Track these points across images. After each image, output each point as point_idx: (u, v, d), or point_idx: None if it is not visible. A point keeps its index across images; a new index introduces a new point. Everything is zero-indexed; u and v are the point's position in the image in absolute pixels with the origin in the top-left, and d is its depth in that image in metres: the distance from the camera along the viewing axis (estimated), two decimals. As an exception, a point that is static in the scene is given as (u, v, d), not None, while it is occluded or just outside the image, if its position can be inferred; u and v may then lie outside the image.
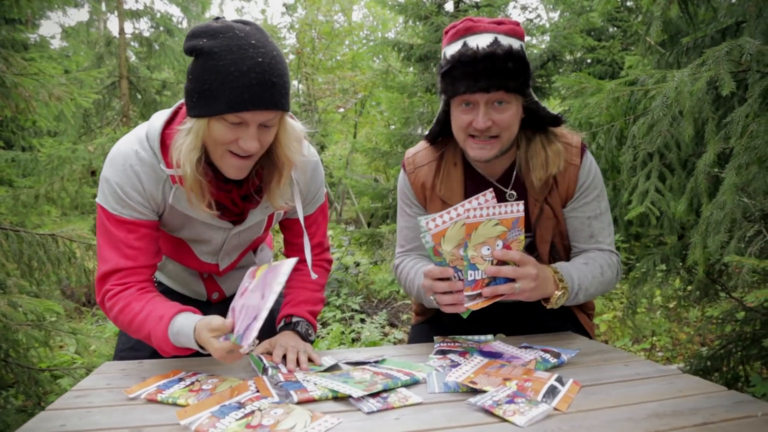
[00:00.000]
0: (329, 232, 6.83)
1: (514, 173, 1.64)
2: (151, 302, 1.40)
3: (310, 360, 1.42)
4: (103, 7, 10.43)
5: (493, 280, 1.37)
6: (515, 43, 1.45)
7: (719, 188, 1.55)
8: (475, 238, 1.31)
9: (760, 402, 1.10)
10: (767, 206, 1.60)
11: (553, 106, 6.97)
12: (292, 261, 1.21)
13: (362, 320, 4.54)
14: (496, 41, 1.42)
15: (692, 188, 1.73)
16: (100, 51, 8.04)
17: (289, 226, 1.69)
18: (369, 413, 1.09)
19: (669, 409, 1.08)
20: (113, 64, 7.76)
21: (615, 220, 2.69)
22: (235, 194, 1.44)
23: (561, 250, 1.69)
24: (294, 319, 1.59)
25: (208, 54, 1.22)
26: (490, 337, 1.58)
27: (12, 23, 8.70)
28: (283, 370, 1.36)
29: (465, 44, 1.45)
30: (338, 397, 1.17)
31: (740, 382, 2.51)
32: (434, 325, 1.82)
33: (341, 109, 10.84)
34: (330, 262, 1.78)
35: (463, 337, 1.59)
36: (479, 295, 1.36)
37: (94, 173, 4.30)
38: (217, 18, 1.28)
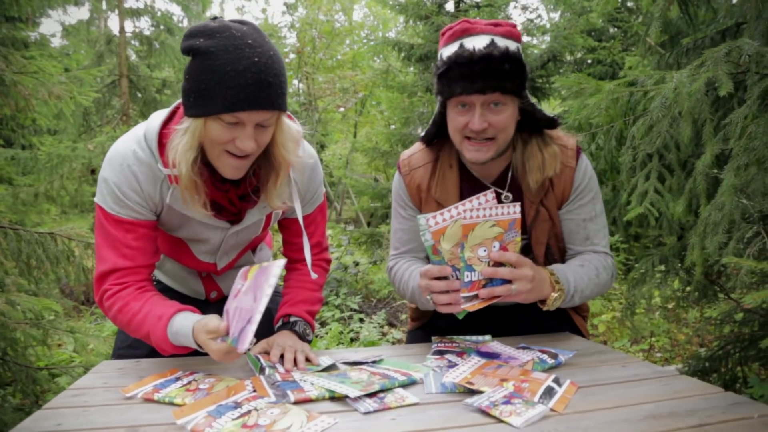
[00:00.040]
0: (328, 232, 6.84)
1: (510, 175, 1.64)
2: (149, 301, 1.40)
3: (307, 360, 1.42)
4: (104, 5, 10.43)
5: (490, 281, 1.37)
6: (512, 45, 1.45)
7: (718, 189, 1.55)
8: (471, 239, 1.31)
9: (757, 403, 1.10)
10: (766, 207, 1.60)
11: (553, 106, 6.98)
12: (280, 263, 1.20)
13: (361, 320, 4.54)
14: (492, 43, 1.42)
15: (691, 189, 1.73)
16: (100, 49, 8.04)
17: (287, 225, 1.69)
18: (365, 413, 1.09)
19: (666, 411, 1.08)
20: (113, 62, 7.76)
21: (614, 220, 2.69)
22: (233, 194, 1.44)
23: (556, 252, 1.69)
24: (292, 319, 1.59)
25: (204, 54, 1.22)
26: (487, 337, 1.58)
27: (12, 21, 8.70)
28: (281, 369, 1.35)
29: (462, 45, 1.45)
30: (335, 397, 1.17)
31: (738, 383, 2.51)
32: (429, 330, 1.82)
33: (341, 109, 10.83)
34: (328, 261, 1.78)
35: (461, 337, 1.59)
36: (476, 296, 1.36)
37: (93, 172, 4.30)
38: (215, 18, 1.28)
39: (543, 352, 1.41)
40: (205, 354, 1.33)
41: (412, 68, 5.49)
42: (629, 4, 5.83)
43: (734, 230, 1.63)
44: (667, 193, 2.08)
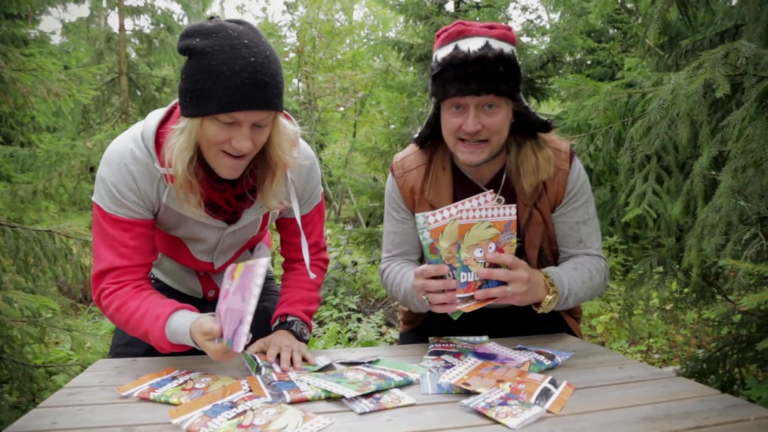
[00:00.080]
0: (327, 231, 6.83)
1: (504, 178, 1.65)
2: (146, 300, 1.40)
3: (304, 360, 1.42)
4: (104, 3, 10.43)
5: (485, 282, 1.37)
6: (506, 48, 1.45)
7: (716, 191, 1.55)
8: (467, 239, 1.31)
9: (754, 406, 1.10)
10: (763, 209, 1.60)
11: (552, 107, 6.98)
12: (264, 261, 1.19)
13: (359, 320, 4.54)
14: (487, 45, 1.42)
15: (688, 191, 1.73)
16: (100, 47, 8.03)
17: (285, 225, 1.69)
18: (361, 414, 1.09)
19: (662, 413, 1.08)
20: (113, 60, 7.76)
21: (612, 221, 2.70)
22: (229, 194, 1.44)
23: (549, 255, 1.70)
24: (289, 319, 1.59)
25: (200, 54, 1.22)
26: (485, 338, 1.58)
27: (12, 18, 8.69)
28: (277, 369, 1.35)
29: (456, 47, 1.45)
30: (331, 398, 1.17)
31: (736, 384, 2.51)
32: (422, 333, 1.82)
33: (341, 108, 10.82)
34: (326, 261, 1.78)
35: (458, 338, 1.58)
36: (471, 297, 1.36)
37: (92, 169, 4.29)
38: (211, 17, 1.28)
39: (540, 353, 1.41)
40: (203, 352, 1.33)
41: (411, 68, 5.48)
42: (629, 5, 5.83)
43: (732, 232, 1.63)
44: (665, 194, 2.08)
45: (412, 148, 1.76)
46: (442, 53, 1.47)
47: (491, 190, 1.39)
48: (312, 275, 1.58)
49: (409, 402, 1.14)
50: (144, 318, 1.37)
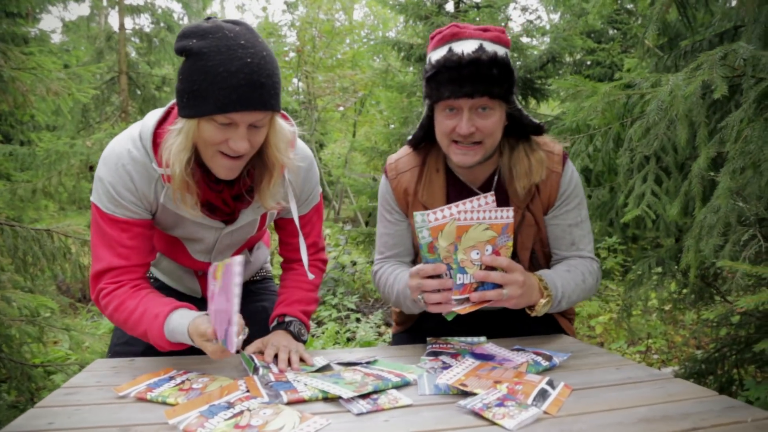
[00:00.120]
0: (326, 231, 6.82)
1: (496, 180, 1.65)
2: (144, 300, 1.40)
3: (301, 360, 1.42)
4: (104, 2, 10.43)
5: (481, 285, 1.37)
6: (500, 50, 1.46)
7: (714, 192, 1.55)
8: (465, 241, 1.32)
9: (751, 407, 1.10)
10: (762, 211, 1.60)
11: (552, 107, 6.98)
12: (238, 259, 1.19)
13: (357, 320, 4.54)
14: (481, 47, 1.43)
15: (686, 191, 1.73)
16: (100, 46, 8.03)
17: (283, 225, 1.68)
18: (358, 414, 1.09)
19: (659, 414, 1.08)
20: (113, 59, 7.76)
21: (611, 222, 2.69)
22: (226, 194, 1.44)
23: (541, 257, 1.70)
24: (287, 319, 1.59)
25: (197, 54, 1.22)
26: (482, 339, 1.58)
27: (12, 17, 8.68)
28: (275, 369, 1.35)
29: (450, 50, 1.45)
30: (328, 398, 1.17)
31: (734, 385, 2.51)
32: (414, 334, 1.82)
33: (341, 108, 10.80)
34: (325, 262, 1.77)
35: (456, 338, 1.58)
36: (467, 299, 1.36)
37: (92, 168, 4.29)
38: (208, 18, 1.28)
39: (537, 354, 1.41)
40: (201, 351, 1.33)
41: (411, 68, 5.48)
42: (629, 6, 5.83)
43: (730, 233, 1.63)
44: (664, 195, 2.08)
45: (405, 149, 1.76)
46: (436, 55, 1.48)
47: (492, 192, 1.39)
48: (310, 276, 1.58)
49: (406, 403, 1.14)
50: (143, 317, 1.37)
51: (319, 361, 1.41)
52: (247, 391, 1.19)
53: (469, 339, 1.58)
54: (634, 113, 2.14)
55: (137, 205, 1.40)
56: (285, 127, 1.39)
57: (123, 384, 1.25)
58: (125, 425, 1.06)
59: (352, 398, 1.15)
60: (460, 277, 1.34)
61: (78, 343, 2.86)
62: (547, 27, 5.90)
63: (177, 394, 1.18)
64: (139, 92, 7.74)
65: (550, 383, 1.20)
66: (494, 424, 1.03)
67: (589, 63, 5.97)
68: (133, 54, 8.60)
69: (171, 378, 1.29)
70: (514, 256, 1.66)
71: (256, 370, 1.34)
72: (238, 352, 1.46)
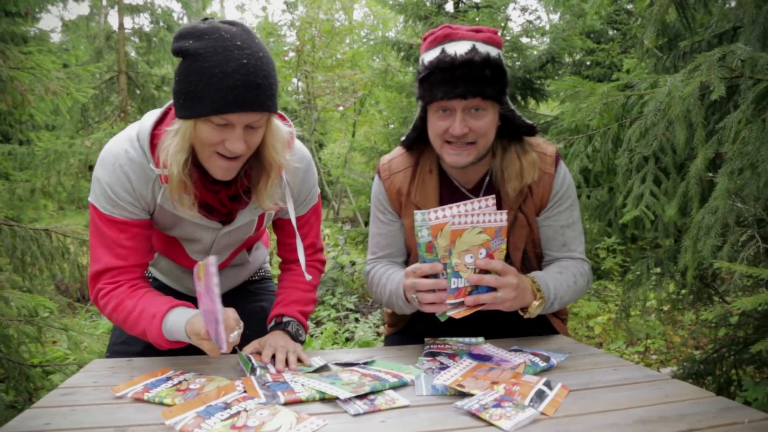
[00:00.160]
0: (326, 231, 6.82)
1: (487, 180, 1.65)
2: (142, 299, 1.41)
3: (299, 360, 1.42)
4: (104, 1, 10.43)
5: (475, 288, 1.38)
6: (493, 51, 1.46)
7: (712, 193, 1.55)
8: (459, 245, 1.32)
9: (748, 409, 1.10)
10: (760, 211, 1.59)
11: (552, 107, 6.97)
12: (212, 259, 1.20)
13: (356, 320, 4.54)
14: (474, 48, 1.43)
15: (683, 192, 1.73)
16: (99, 45, 8.01)
17: (281, 226, 1.68)
18: (355, 415, 1.09)
19: (655, 415, 1.07)
20: (112, 58, 7.74)
21: (609, 222, 2.69)
22: (223, 195, 1.44)
23: (533, 257, 1.71)
24: (285, 319, 1.59)
25: (193, 55, 1.22)
26: (480, 339, 1.58)
27: (12, 16, 8.68)
28: (272, 370, 1.35)
29: (443, 51, 1.45)
30: (325, 399, 1.17)
31: (733, 386, 2.51)
32: (407, 335, 1.82)
33: (340, 108, 10.81)
34: (323, 262, 1.78)
35: (453, 339, 1.58)
36: (461, 303, 1.37)
37: (91, 168, 4.29)
38: (205, 19, 1.29)
39: (535, 354, 1.41)
40: (199, 351, 1.33)
41: (410, 68, 5.47)
42: (628, 6, 5.83)
43: (729, 234, 1.63)
44: (662, 196, 2.07)
45: (398, 150, 1.76)
46: (428, 57, 1.48)
47: (493, 196, 1.39)
48: (308, 277, 1.59)
49: (403, 403, 1.14)
50: (141, 317, 1.38)
51: (317, 361, 1.41)
52: (245, 391, 1.19)
53: (466, 339, 1.58)
54: (633, 114, 2.14)
55: (135, 206, 1.40)
56: (282, 127, 1.39)
57: (120, 384, 1.25)
58: (122, 426, 1.06)
59: (349, 399, 1.15)
60: (455, 281, 1.34)
61: (76, 343, 2.85)
62: (547, 27, 5.90)
63: (174, 395, 1.18)
64: (138, 92, 7.73)
65: (548, 384, 1.20)
66: (491, 425, 1.03)
67: (588, 63, 5.97)
68: (133, 53, 8.59)
69: (168, 378, 1.29)
70: (506, 256, 1.66)
71: (253, 370, 1.34)
72: (235, 351, 1.46)
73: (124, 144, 1.38)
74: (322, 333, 4.16)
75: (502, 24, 4.65)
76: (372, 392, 1.19)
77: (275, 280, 1.99)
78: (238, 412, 1.07)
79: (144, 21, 8.67)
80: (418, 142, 1.69)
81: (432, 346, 1.53)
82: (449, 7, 5.22)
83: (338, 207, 11.32)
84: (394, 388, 1.23)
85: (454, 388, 1.18)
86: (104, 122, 7.54)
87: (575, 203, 1.68)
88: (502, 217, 1.37)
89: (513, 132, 1.61)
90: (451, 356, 1.44)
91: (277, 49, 10.78)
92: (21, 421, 1.07)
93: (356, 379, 1.25)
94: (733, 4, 2.30)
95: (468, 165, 1.55)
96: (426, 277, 1.38)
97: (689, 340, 3.88)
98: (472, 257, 1.35)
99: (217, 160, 1.31)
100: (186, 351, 1.47)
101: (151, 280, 1.80)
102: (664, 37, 2.70)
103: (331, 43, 11.02)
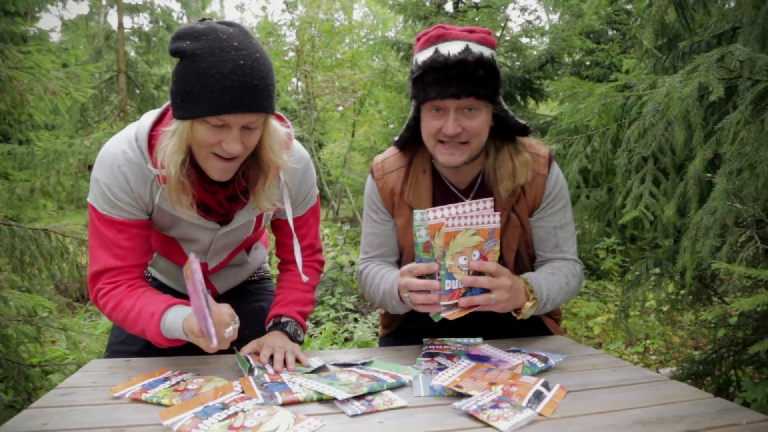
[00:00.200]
0: (325, 231, 6.81)
1: (479, 181, 1.66)
2: (141, 298, 1.41)
3: (297, 361, 1.42)
4: (103, 1, 10.42)
5: (469, 290, 1.38)
6: (486, 51, 1.46)
7: (711, 194, 1.55)
8: (452, 247, 1.32)
9: (746, 410, 1.10)
10: (759, 212, 1.59)
11: (551, 107, 6.97)
12: (192, 256, 1.22)
13: (355, 320, 4.54)
14: (467, 48, 1.43)
15: (681, 193, 1.73)
16: (99, 45, 8.01)
17: (279, 226, 1.68)
18: (353, 416, 1.09)
19: (654, 416, 1.07)
20: (112, 58, 7.74)
21: (609, 223, 2.69)
22: (221, 195, 1.44)
23: (526, 258, 1.71)
24: (283, 319, 1.59)
25: (190, 56, 1.22)
26: (479, 340, 1.58)
27: (11, 16, 8.67)
28: (270, 370, 1.35)
29: (437, 51, 1.45)
30: (323, 399, 1.17)
31: (732, 386, 2.51)
32: (400, 336, 1.83)
33: (340, 108, 10.80)
34: (322, 263, 1.77)
35: (452, 339, 1.58)
36: (455, 305, 1.37)
37: (90, 167, 4.29)
38: (203, 19, 1.29)
39: (533, 355, 1.41)
40: (197, 351, 1.33)
41: (410, 68, 5.47)
42: (627, 6, 5.83)
43: (728, 234, 1.63)
44: (662, 196, 2.07)
45: (392, 150, 1.77)
46: (422, 56, 1.48)
47: (491, 198, 1.39)
48: (305, 278, 1.58)
49: (400, 404, 1.14)
50: (139, 316, 1.38)
51: (315, 362, 1.41)
52: (242, 391, 1.19)
53: (465, 340, 1.58)
54: (632, 114, 2.14)
55: (133, 206, 1.40)
56: (279, 128, 1.39)
57: (118, 385, 1.25)
58: (120, 426, 1.06)
59: (347, 399, 1.15)
60: (449, 283, 1.34)
61: (75, 343, 2.85)
62: (546, 27, 5.90)
63: (172, 395, 1.18)
64: (137, 91, 7.72)
65: (546, 385, 1.20)
66: (489, 426, 1.03)
67: (588, 63, 5.97)
68: (132, 53, 8.58)
69: (166, 379, 1.29)
70: (500, 258, 1.67)
71: (251, 370, 1.34)
72: (233, 351, 1.46)
73: (122, 144, 1.38)
74: (321, 333, 4.16)
75: (502, 24, 4.65)
76: (370, 393, 1.19)
77: (274, 280, 1.99)
78: (236, 413, 1.07)
79: (143, 20, 8.67)
80: (411, 141, 1.69)
81: (430, 347, 1.53)
82: (449, 7, 5.22)
83: (338, 207, 11.32)
84: (392, 388, 1.23)
85: (452, 388, 1.18)
86: (104, 122, 7.54)
87: (568, 204, 1.69)
88: (495, 219, 1.37)
89: (506, 132, 1.62)
90: (450, 357, 1.43)
91: (276, 48, 10.78)
92: (19, 421, 1.07)
93: (354, 380, 1.25)
94: (732, 4, 2.30)
95: (461, 165, 1.55)
96: (421, 277, 1.38)
97: (688, 341, 3.88)
98: (465, 259, 1.35)
99: (214, 161, 1.31)
100: (184, 351, 1.47)
101: (150, 279, 1.80)
102: (664, 37, 2.70)
103: (331, 43, 11.02)
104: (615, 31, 6.14)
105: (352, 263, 5.82)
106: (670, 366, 3.50)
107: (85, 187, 4.27)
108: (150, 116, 1.40)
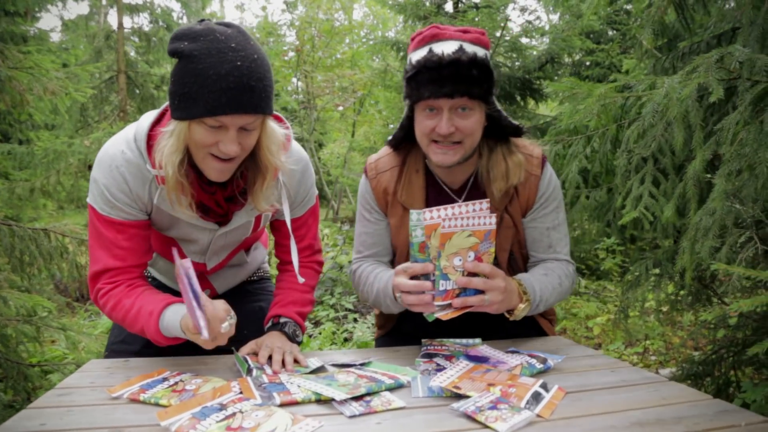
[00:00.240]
0: (325, 231, 6.80)
1: (472, 181, 1.66)
2: (140, 298, 1.41)
3: (296, 361, 1.42)
4: (104, 1, 10.42)
5: (463, 291, 1.38)
6: (480, 51, 1.46)
7: (710, 194, 1.55)
8: (448, 248, 1.32)
9: (745, 412, 1.10)
10: (758, 213, 1.59)
11: (551, 108, 6.97)
12: (175, 250, 1.24)
13: (355, 320, 4.54)
14: (461, 48, 1.43)
15: (681, 193, 1.73)
16: (99, 45, 8.01)
17: (278, 227, 1.68)
18: (351, 417, 1.09)
19: (652, 418, 1.07)
20: (112, 58, 7.74)
21: (608, 223, 2.69)
22: (219, 196, 1.44)
23: (519, 258, 1.71)
24: (282, 320, 1.59)
25: (188, 57, 1.22)
26: (477, 340, 1.58)
27: (11, 16, 8.67)
28: (268, 371, 1.35)
29: (431, 50, 1.45)
30: (321, 400, 1.17)
31: (732, 387, 2.51)
32: (395, 336, 1.83)
33: (340, 108, 10.81)
34: (321, 264, 1.77)
35: (450, 340, 1.58)
36: (449, 305, 1.37)
37: (90, 167, 4.29)
38: (201, 20, 1.29)
39: (532, 356, 1.41)
40: (195, 351, 1.33)
41: (410, 68, 5.47)
42: (627, 6, 5.82)
43: (727, 235, 1.62)
44: (661, 197, 2.07)
45: (385, 149, 1.77)
46: (416, 56, 1.49)
47: (487, 199, 1.39)
48: (300, 279, 1.58)
49: (399, 405, 1.14)
50: (139, 315, 1.38)
51: (313, 362, 1.41)
52: (240, 392, 1.19)
53: (463, 341, 1.58)
54: (631, 115, 2.14)
55: (132, 207, 1.40)
56: (277, 130, 1.39)
57: (116, 385, 1.25)
58: (118, 427, 1.05)
59: (345, 400, 1.14)
60: (443, 284, 1.34)
61: (74, 343, 2.85)
62: (546, 27, 5.90)
63: (170, 396, 1.18)
64: (137, 91, 7.72)
65: (544, 386, 1.20)
66: (487, 427, 1.03)
67: (588, 63, 5.96)
68: (132, 53, 8.59)
69: (164, 379, 1.29)
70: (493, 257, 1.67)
71: (249, 371, 1.34)
72: (231, 351, 1.46)
73: (120, 145, 1.38)
74: (320, 333, 4.16)
75: (502, 24, 4.64)
76: (368, 394, 1.19)
77: (274, 281, 1.99)
78: (234, 414, 1.07)
79: (143, 20, 8.68)
80: (405, 141, 1.69)
81: (429, 347, 1.52)
82: (449, 7, 5.22)
83: (337, 207, 11.32)
84: (391, 389, 1.23)
85: (450, 389, 1.18)
86: (104, 122, 7.54)
87: (561, 205, 1.69)
88: (491, 221, 1.37)
89: (499, 133, 1.62)
90: (448, 357, 1.43)
91: (276, 48, 10.77)
92: (17, 421, 1.07)
93: (352, 381, 1.25)
94: (732, 4, 2.30)
95: (454, 164, 1.55)
96: (416, 277, 1.39)
97: (688, 341, 3.88)
98: (460, 260, 1.35)
99: (212, 162, 1.32)
100: (183, 351, 1.47)
101: (150, 279, 1.81)
102: (664, 37, 2.70)
103: (331, 43, 11.02)
104: (615, 32, 6.14)
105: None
106: (670, 366, 3.50)
107: (85, 187, 4.27)
108: (149, 117, 1.40)
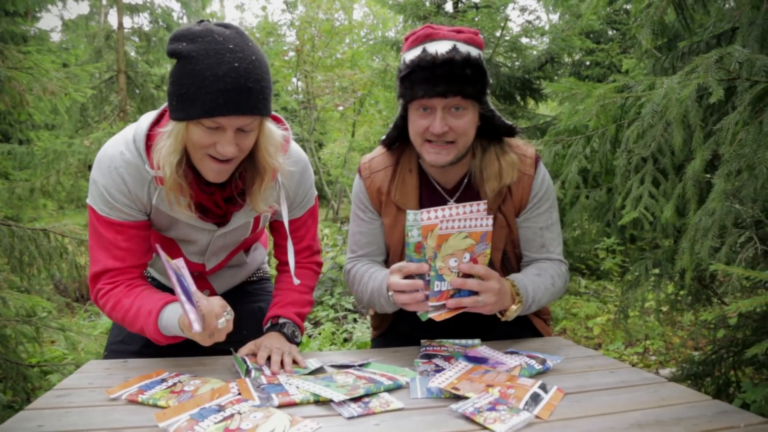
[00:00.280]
0: (325, 231, 6.79)
1: (466, 181, 1.66)
2: (139, 297, 1.42)
3: (294, 362, 1.41)
4: (104, 0, 10.42)
5: (458, 291, 1.38)
6: (473, 51, 1.47)
7: (710, 194, 1.54)
8: (444, 249, 1.32)
9: (744, 412, 1.09)
10: (758, 213, 1.59)
11: (551, 108, 6.97)
12: (158, 246, 1.26)
13: (354, 320, 4.53)
14: (454, 48, 1.44)
15: (680, 194, 1.73)
16: (99, 45, 8.01)
17: (277, 228, 1.68)
18: (349, 418, 1.09)
19: (651, 419, 1.07)
20: (112, 58, 7.74)
21: (608, 223, 2.69)
22: (218, 196, 1.44)
23: (513, 258, 1.71)
24: (281, 321, 1.59)
25: (186, 58, 1.22)
26: (476, 341, 1.57)
27: (11, 16, 8.68)
28: (267, 372, 1.35)
29: (424, 50, 1.46)
30: (320, 401, 1.16)
31: (732, 387, 2.51)
32: (390, 337, 1.83)
33: (340, 108, 10.80)
34: (320, 264, 1.77)
35: (449, 341, 1.58)
36: (443, 306, 1.38)
37: (90, 167, 4.29)
38: (201, 21, 1.29)
39: (531, 357, 1.40)
40: (194, 351, 1.33)
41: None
42: (627, 6, 5.82)
43: (727, 235, 1.62)
44: (661, 197, 2.07)
45: (379, 149, 1.77)
46: (410, 56, 1.49)
47: (484, 201, 1.39)
48: (296, 281, 1.58)
49: (397, 406, 1.14)
50: (138, 315, 1.39)
51: (312, 363, 1.41)
52: (239, 393, 1.18)
53: (462, 341, 1.57)
54: (630, 115, 2.13)
55: (131, 207, 1.40)
56: (275, 131, 1.39)
57: (114, 386, 1.25)
58: (116, 428, 1.05)
59: (344, 401, 1.14)
60: (438, 284, 1.35)
61: (74, 343, 2.85)
62: (546, 27, 5.90)
63: (168, 397, 1.18)
64: (137, 91, 7.72)
65: (543, 387, 1.19)
66: (485, 428, 1.03)
67: (588, 63, 5.95)
68: (132, 53, 8.59)
69: (163, 380, 1.29)
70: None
71: (248, 372, 1.34)
72: (230, 352, 1.46)
73: (119, 146, 1.38)
74: (320, 333, 4.15)
75: (502, 24, 4.64)
76: (366, 395, 1.18)
77: (274, 281, 1.99)
78: (232, 415, 1.06)
79: (143, 20, 8.68)
80: (399, 141, 1.69)
81: (428, 348, 1.52)
82: (448, 7, 5.21)
83: (337, 207, 11.31)
84: (389, 390, 1.23)
85: (448, 390, 1.18)
86: (103, 122, 7.54)
87: (554, 205, 1.70)
88: (488, 222, 1.37)
89: (493, 132, 1.62)
90: (447, 358, 1.43)
91: (276, 48, 10.78)
92: (15, 422, 1.07)
93: (351, 382, 1.25)
94: (732, 3, 2.30)
95: (447, 164, 1.55)
96: (410, 276, 1.39)
97: (688, 341, 3.87)
98: (456, 261, 1.35)
99: (209, 163, 1.32)
100: (182, 351, 1.47)
101: (150, 279, 1.81)
102: (664, 37, 2.69)
103: (331, 42, 11.01)
104: (615, 31, 6.13)
105: (352, 263, 5.81)
106: (670, 366, 3.50)
107: (85, 187, 4.27)
108: (148, 117, 1.40)
